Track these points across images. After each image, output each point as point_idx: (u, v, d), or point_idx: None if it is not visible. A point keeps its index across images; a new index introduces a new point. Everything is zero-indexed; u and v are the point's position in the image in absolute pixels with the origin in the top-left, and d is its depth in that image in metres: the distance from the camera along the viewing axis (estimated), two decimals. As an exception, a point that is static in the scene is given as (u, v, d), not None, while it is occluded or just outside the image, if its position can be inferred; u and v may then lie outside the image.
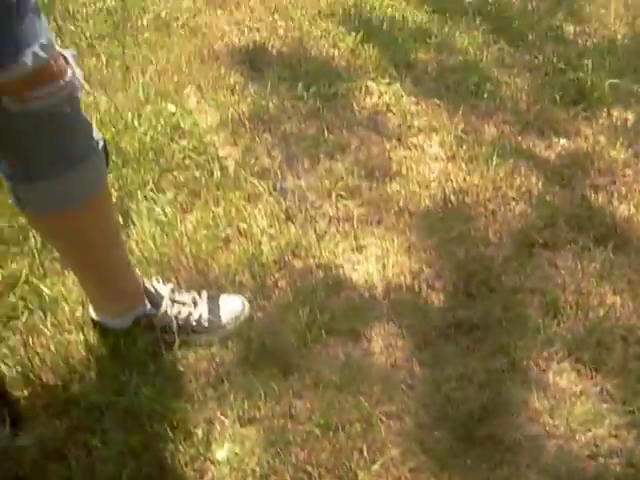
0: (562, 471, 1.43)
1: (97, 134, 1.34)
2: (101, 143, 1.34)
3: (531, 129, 2.48)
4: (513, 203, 2.11)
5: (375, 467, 1.41)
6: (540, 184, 2.20)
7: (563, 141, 2.43)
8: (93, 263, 1.50)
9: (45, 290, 1.71)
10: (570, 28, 3.23)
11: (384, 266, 1.85)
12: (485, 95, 2.60)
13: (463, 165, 2.23)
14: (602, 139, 2.42)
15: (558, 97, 2.61)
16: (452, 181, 2.16)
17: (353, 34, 2.81)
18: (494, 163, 2.23)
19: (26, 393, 1.52)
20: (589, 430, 1.51)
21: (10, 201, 1.40)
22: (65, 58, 1.19)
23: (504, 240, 1.98)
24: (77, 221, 1.39)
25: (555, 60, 2.90)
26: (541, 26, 3.23)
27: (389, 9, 3.08)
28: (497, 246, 1.96)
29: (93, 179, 1.37)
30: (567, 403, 1.56)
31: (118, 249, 1.57)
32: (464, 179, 2.17)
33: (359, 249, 1.92)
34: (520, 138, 2.42)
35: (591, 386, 1.61)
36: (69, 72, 1.19)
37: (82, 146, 1.30)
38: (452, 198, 2.09)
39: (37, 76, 1.13)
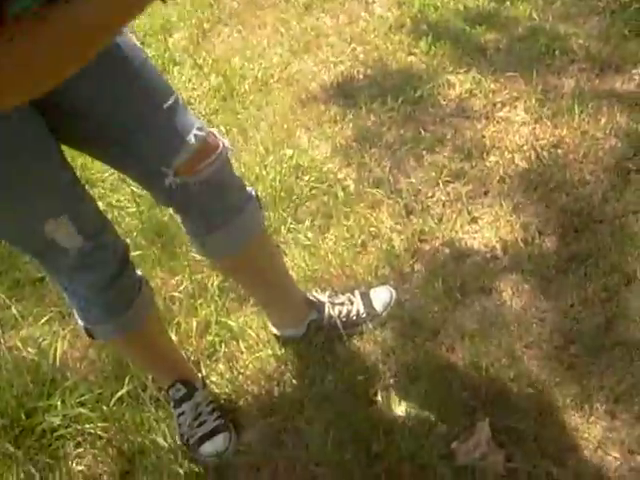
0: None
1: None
2: (253, 192, 1.67)
3: (607, 69, 2.68)
4: (602, 141, 2.33)
5: (529, 390, 1.71)
6: (625, 116, 2.40)
7: None
8: (270, 288, 1.90)
9: (232, 324, 2.11)
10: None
11: (497, 228, 2.14)
12: (557, 52, 2.81)
13: (549, 122, 2.47)
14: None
15: (627, 32, 2.79)
16: (542, 139, 2.41)
17: (424, 38, 3.10)
18: (577, 111, 2.46)
19: (239, 404, 1.93)
20: None
21: (194, 251, 1.81)
22: (213, 133, 1.53)
23: (600, 176, 2.21)
24: (250, 257, 1.74)
25: (618, -5, 3.07)
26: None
27: (450, 3, 3.34)
28: (595, 183, 2.19)
29: (256, 221, 1.70)
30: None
31: (286, 273, 1.96)
32: (552, 134, 2.42)
33: (474, 220, 2.21)
34: (598, 81, 2.62)
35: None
36: (220, 141, 1.53)
37: (241, 196, 1.63)
38: (544, 154, 2.34)
39: (202, 151, 1.46)
